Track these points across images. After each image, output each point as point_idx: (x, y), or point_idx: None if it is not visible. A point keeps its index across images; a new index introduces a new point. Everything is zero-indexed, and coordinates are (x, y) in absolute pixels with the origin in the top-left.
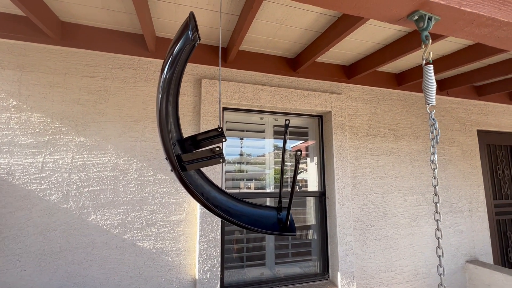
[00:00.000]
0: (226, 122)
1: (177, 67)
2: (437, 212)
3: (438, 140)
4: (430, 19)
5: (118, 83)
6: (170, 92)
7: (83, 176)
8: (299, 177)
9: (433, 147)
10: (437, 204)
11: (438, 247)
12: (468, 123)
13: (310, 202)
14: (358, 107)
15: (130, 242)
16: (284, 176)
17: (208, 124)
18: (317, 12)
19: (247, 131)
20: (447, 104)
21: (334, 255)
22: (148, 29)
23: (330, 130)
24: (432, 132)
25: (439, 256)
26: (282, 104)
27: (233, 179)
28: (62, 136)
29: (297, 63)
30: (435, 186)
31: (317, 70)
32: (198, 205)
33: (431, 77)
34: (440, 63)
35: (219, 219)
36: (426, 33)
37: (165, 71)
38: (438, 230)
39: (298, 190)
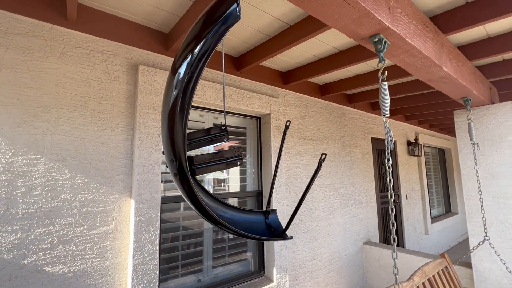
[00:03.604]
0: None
1: (209, 56)
2: (392, 212)
3: (393, 146)
4: (385, 43)
5: (16, 54)
6: (188, 87)
7: None
8: (222, 176)
9: (388, 153)
10: (391, 199)
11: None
12: (366, 131)
13: (246, 202)
14: (291, 111)
15: (34, 268)
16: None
17: (146, 118)
18: (273, 16)
19: None
20: (353, 115)
21: (270, 251)
22: None
23: (269, 131)
24: (387, 140)
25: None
26: (226, 102)
27: (165, 181)
28: None
29: (240, 63)
30: (389, 186)
31: (259, 72)
32: (132, 212)
33: (386, 92)
34: (352, 82)
35: (158, 227)
36: (382, 54)
37: (193, 65)
38: (393, 224)
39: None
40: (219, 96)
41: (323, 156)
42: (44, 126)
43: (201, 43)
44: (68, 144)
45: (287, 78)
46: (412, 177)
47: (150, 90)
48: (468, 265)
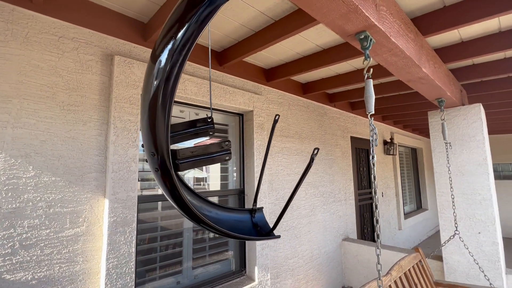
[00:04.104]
0: (138, 114)
1: (194, 42)
2: (376, 209)
3: (377, 143)
4: (371, 40)
5: None
6: (171, 76)
7: None
8: (202, 175)
9: (372, 150)
10: (376, 196)
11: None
12: (346, 130)
13: (228, 201)
14: (274, 109)
15: None
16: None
17: (122, 112)
18: (258, 10)
19: None
20: (333, 114)
21: (252, 250)
22: None
23: (252, 129)
24: (372, 136)
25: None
26: (208, 98)
27: (143, 179)
28: None
29: (223, 57)
30: (373, 182)
31: (242, 68)
32: (105, 212)
33: (371, 89)
34: (333, 81)
35: (134, 228)
36: (367, 52)
37: (176, 52)
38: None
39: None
40: (200, 91)
41: (316, 151)
42: (4, 118)
43: (186, 26)
44: (32, 138)
45: (270, 75)
46: (387, 175)
47: (127, 82)
48: (439, 258)
